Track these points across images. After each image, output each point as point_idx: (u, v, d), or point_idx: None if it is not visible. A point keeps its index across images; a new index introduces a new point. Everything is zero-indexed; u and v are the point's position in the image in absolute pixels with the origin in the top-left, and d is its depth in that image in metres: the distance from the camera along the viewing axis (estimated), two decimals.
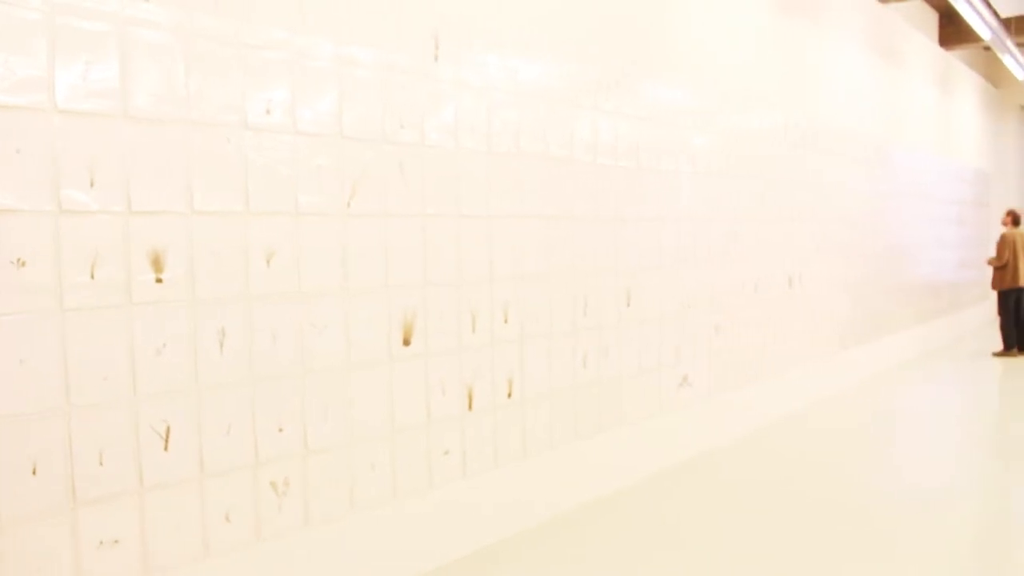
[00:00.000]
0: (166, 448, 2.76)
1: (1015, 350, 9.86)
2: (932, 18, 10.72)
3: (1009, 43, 8.99)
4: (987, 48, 12.25)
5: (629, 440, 4.88)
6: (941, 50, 10.82)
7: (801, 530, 4.16)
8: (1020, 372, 9.02)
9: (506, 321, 4.03)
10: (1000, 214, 12.50)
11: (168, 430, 2.77)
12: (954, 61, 11.31)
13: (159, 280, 2.74)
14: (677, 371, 5.31)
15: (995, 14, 8.25)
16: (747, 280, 6.07)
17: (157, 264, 2.73)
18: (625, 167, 4.80)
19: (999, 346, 10.10)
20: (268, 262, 3.04)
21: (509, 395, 4.07)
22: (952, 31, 10.82)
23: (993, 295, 11.15)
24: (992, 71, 13.43)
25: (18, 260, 2.42)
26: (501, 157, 3.99)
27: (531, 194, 4.16)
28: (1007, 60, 9.67)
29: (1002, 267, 9.76)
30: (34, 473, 2.46)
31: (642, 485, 4.87)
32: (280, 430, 3.09)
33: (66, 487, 2.52)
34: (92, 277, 2.58)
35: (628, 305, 4.85)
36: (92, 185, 2.57)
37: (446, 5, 3.70)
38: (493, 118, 3.94)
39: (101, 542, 2.60)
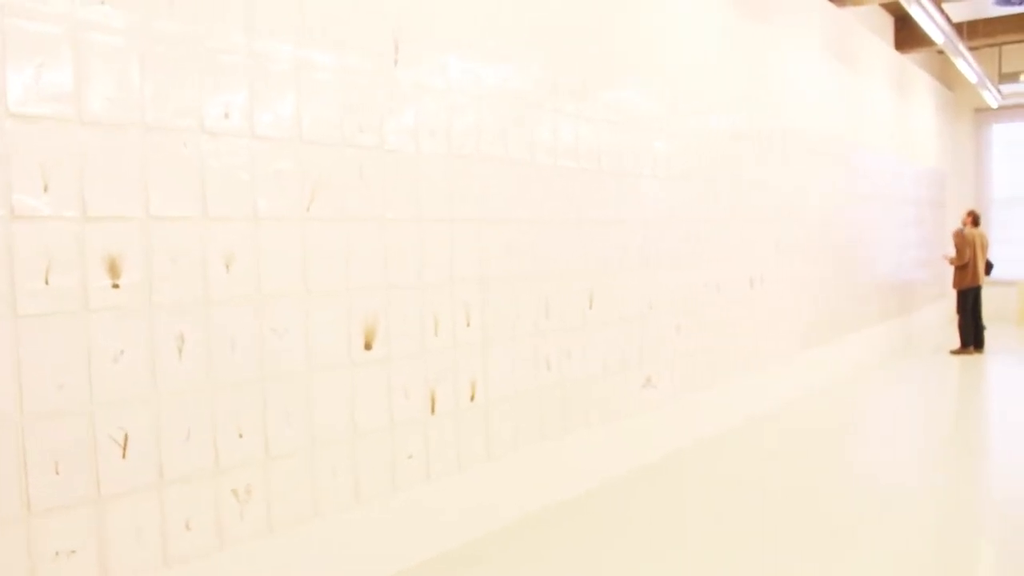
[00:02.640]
0: (124, 456, 2.73)
1: (971, 348, 10.07)
2: (888, 22, 10.92)
3: (961, 47, 9.18)
4: (940, 52, 12.51)
5: (594, 442, 4.91)
6: (897, 53, 11.02)
7: (767, 529, 4.21)
8: (976, 369, 9.22)
9: (468, 324, 4.04)
10: (955, 214, 12.77)
11: (126, 438, 2.73)
12: (909, 64, 11.53)
13: (116, 286, 2.70)
14: (641, 372, 5.35)
15: (947, 19, 8.43)
16: (709, 281, 6.14)
17: (113, 270, 2.70)
18: (587, 170, 4.83)
19: (956, 344, 10.30)
20: (227, 267, 3.02)
21: (472, 398, 4.08)
22: (907, 35, 11.03)
23: (950, 294, 11.37)
24: (946, 74, 13.72)
25: None
26: (462, 160, 3.99)
27: (493, 197, 4.17)
28: (960, 64, 9.86)
29: (963, 266, 9.95)
30: None
31: (608, 486, 4.89)
32: (240, 436, 3.07)
33: (20, 497, 2.48)
34: (46, 283, 2.54)
35: (591, 307, 4.88)
36: (46, 190, 2.54)
37: (405, 9, 3.70)
38: (454, 121, 3.95)
39: (57, 553, 2.56)
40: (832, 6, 8.59)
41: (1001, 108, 13.51)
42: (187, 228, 2.90)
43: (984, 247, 10.08)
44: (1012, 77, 12.36)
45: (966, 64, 9.87)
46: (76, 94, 2.61)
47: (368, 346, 3.55)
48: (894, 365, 9.48)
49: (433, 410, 3.86)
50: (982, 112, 13.98)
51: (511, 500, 4.32)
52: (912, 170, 11.49)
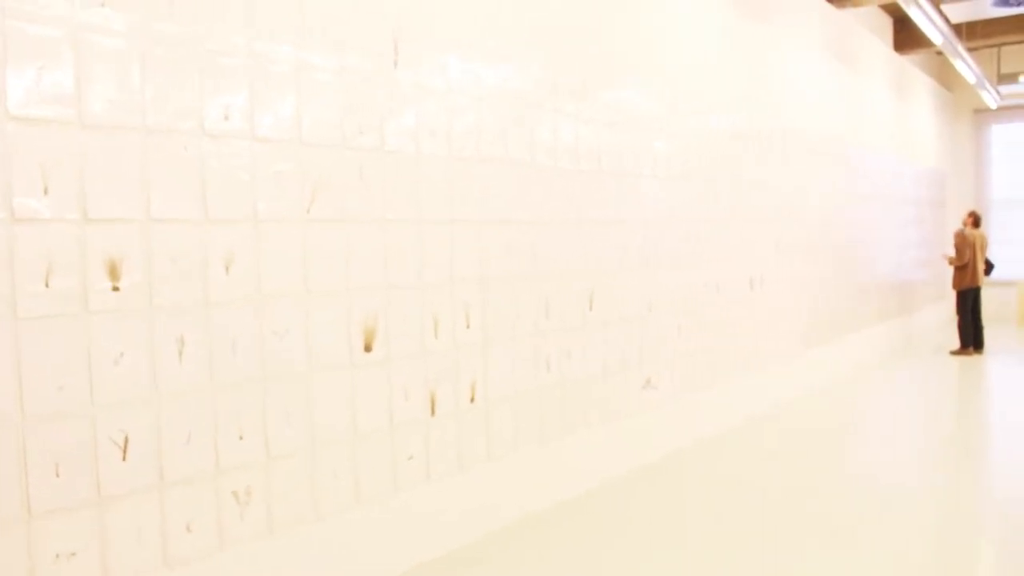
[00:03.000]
0: (124, 458, 2.73)
1: (971, 349, 10.06)
2: (887, 23, 10.93)
3: (960, 48, 9.18)
4: (939, 53, 12.51)
5: (594, 442, 4.91)
6: (896, 55, 11.03)
7: (767, 529, 4.21)
8: (976, 370, 9.22)
9: (468, 325, 4.04)
10: (955, 214, 12.78)
11: (127, 440, 2.73)
12: (908, 65, 11.53)
13: (116, 288, 2.70)
14: (641, 373, 5.35)
15: (946, 20, 8.43)
16: (709, 281, 6.14)
17: (114, 272, 2.70)
18: (587, 170, 4.83)
19: (956, 344, 10.29)
20: (227, 269, 3.02)
21: (472, 399, 4.08)
22: (906, 36, 11.03)
23: (950, 294, 11.38)
24: (945, 75, 13.72)
25: None
26: (462, 161, 3.99)
27: (493, 197, 4.18)
28: (958, 64, 9.87)
29: (962, 267, 9.95)
30: None
31: (608, 486, 4.89)
32: (241, 438, 3.07)
33: (20, 499, 2.48)
34: (47, 286, 2.54)
35: (591, 308, 4.88)
36: (46, 192, 2.54)
37: (405, 9, 3.70)
38: (454, 122, 3.95)
39: (58, 555, 2.56)
40: (831, 7, 8.59)
41: (1000, 109, 13.51)
42: (187, 230, 2.90)
43: (983, 248, 10.08)
44: (1011, 78, 12.36)
45: (965, 65, 9.87)
46: (77, 96, 2.61)
47: (368, 347, 3.55)
48: (894, 365, 9.48)
49: (433, 411, 3.86)
50: (981, 113, 13.98)
51: (511, 500, 4.32)
52: (912, 170, 11.49)
